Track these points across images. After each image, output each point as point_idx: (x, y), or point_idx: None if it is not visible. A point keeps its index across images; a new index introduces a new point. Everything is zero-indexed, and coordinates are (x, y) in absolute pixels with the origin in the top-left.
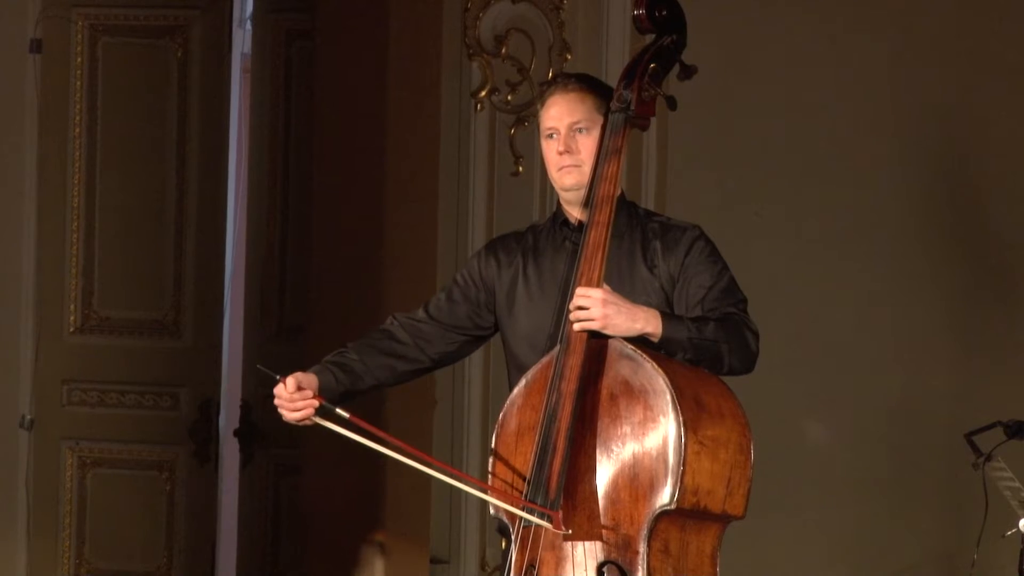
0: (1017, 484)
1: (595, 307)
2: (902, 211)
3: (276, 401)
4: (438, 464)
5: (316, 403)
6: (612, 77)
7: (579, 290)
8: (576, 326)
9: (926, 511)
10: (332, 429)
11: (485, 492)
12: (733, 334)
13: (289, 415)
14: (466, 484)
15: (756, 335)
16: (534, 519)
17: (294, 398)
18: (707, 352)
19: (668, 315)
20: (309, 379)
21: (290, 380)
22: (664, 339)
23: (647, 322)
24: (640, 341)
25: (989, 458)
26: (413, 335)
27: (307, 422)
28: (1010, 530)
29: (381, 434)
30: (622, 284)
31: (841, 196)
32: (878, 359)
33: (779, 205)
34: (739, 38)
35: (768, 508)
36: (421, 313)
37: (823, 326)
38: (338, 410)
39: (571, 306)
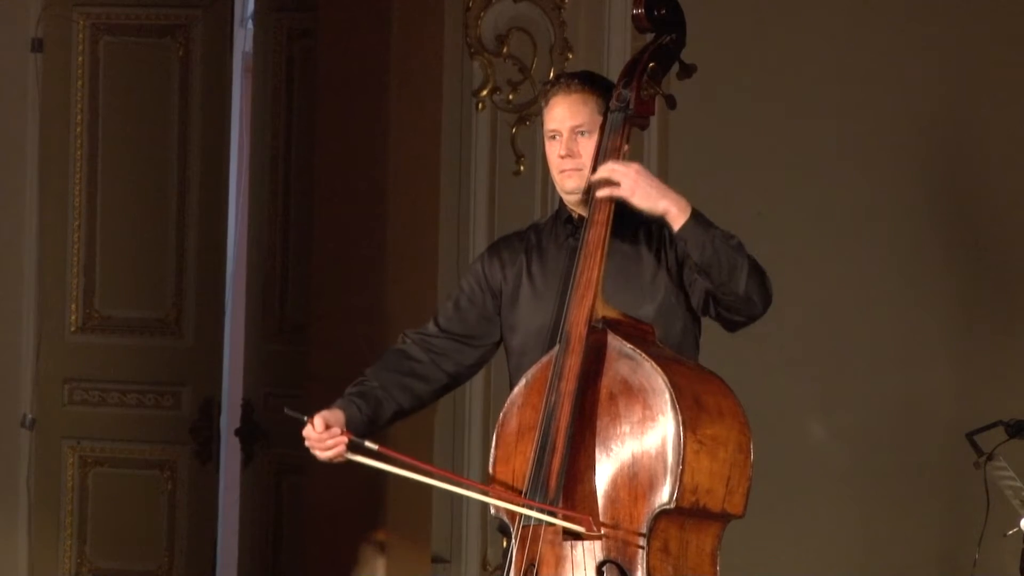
0: (1018, 483)
1: (627, 176)
2: (902, 211)
3: (307, 443)
4: (472, 484)
5: (345, 439)
6: (613, 76)
7: (607, 164)
8: (601, 193)
9: (927, 510)
10: (365, 463)
11: (520, 507)
12: (753, 263)
13: (322, 455)
14: (512, 507)
15: (771, 284)
16: (570, 525)
17: (323, 437)
18: (726, 259)
19: (699, 212)
20: (335, 415)
21: (318, 420)
22: (687, 228)
23: (675, 203)
24: (640, 341)
25: (990, 457)
26: (427, 351)
27: (339, 459)
28: (1011, 529)
29: (413, 462)
30: (627, 279)
31: (841, 196)
32: (878, 359)
33: (779, 205)
34: (739, 37)
35: (768, 507)
36: (432, 327)
37: (823, 326)
38: (367, 443)
39: (596, 178)
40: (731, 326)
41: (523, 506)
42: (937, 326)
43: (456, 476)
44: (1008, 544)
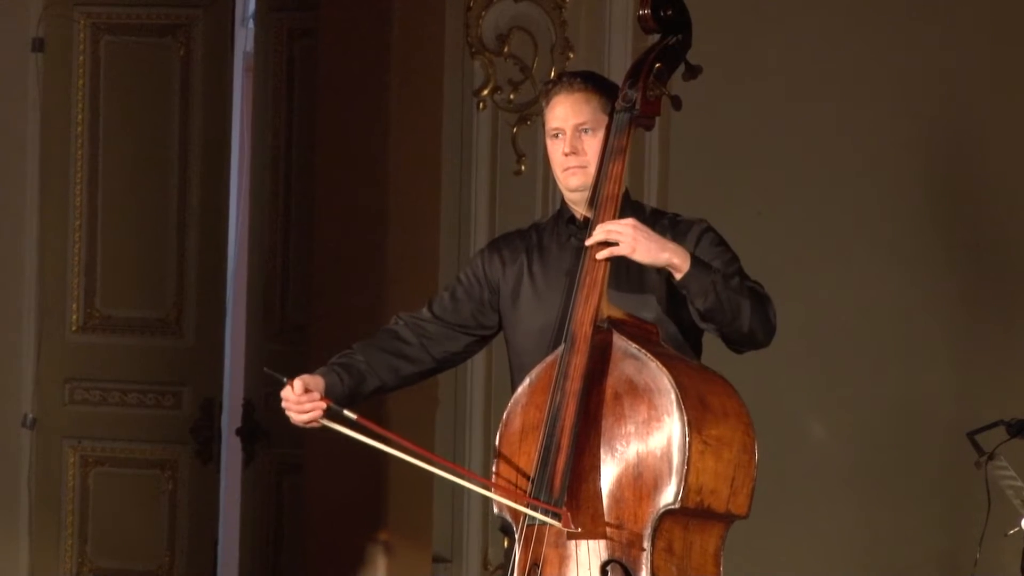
0: (1019, 483)
1: (624, 235)
2: (902, 211)
3: (284, 404)
4: (445, 463)
5: (324, 405)
6: (614, 76)
7: (603, 225)
8: (601, 254)
9: (928, 510)
10: (339, 431)
11: (491, 491)
12: (755, 297)
13: (297, 417)
14: (472, 483)
15: (774, 312)
16: (545, 518)
17: (301, 400)
18: (728, 304)
19: (698, 259)
20: (315, 381)
21: (297, 382)
22: (689, 276)
23: (675, 254)
24: (644, 341)
25: (991, 457)
26: (418, 334)
27: (315, 424)
28: (1012, 529)
29: (388, 434)
30: (631, 283)
31: (841, 196)
32: (879, 358)
33: (780, 205)
34: (741, 38)
35: (768, 507)
36: (426, 312)
37: (823, 326)
38: (345, 412)
39: (591, 242)
40: (736, 352)
41: (526, 506)
42: (938, 326)
43: (437, 458)
44: (1009, 544)
